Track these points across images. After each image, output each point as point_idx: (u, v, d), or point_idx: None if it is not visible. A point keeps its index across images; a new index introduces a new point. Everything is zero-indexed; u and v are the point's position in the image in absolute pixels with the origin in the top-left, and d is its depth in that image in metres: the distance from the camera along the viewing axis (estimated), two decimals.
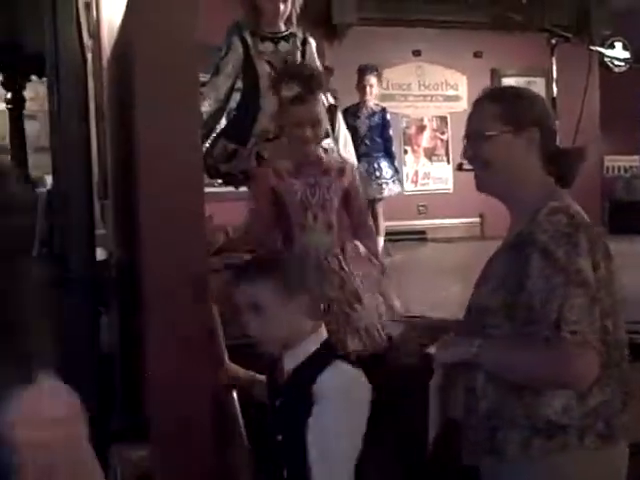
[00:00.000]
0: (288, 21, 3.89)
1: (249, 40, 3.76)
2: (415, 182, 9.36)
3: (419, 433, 2.03)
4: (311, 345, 1.99)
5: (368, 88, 6.19)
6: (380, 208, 6.22)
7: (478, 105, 1.97)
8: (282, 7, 3.75)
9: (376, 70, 6.27)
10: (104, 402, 2.82)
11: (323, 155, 3.15)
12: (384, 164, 6.26)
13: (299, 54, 3.84)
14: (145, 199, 2.55)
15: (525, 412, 1.75)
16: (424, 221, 9.03)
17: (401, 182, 6.40)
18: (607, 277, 1.76)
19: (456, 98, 9.56)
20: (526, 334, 1.72)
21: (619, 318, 1.81)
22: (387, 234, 6.76)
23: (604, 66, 9.53)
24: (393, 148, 6.50)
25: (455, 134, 9.38)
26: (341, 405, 1.84)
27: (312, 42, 3.95)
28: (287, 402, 2.00)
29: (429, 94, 9.46)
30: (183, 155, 2.61)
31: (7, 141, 4.37)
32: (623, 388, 1.79)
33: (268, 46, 3.79)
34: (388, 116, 6.59)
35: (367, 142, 6.15)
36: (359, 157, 5.17)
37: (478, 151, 1.91)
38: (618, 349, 1.79)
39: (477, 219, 9.12)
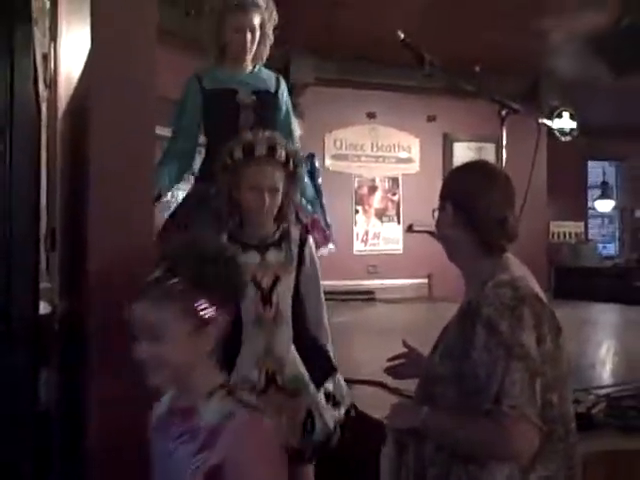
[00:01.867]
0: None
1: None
2: (365, 242, 9.42)
3: None
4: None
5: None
6: None
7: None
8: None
9: (295, 108, 5.15)
10: (41, 462, 2.73)
11: None
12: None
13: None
14: (94, 255, 2.52)
15: None
16: (373, 281, 9.06)
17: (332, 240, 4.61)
18: (553, 350, 1.76)
19: (408, 160, 9.72)
20: (471, 405, 1.72)
21: (566, 391, 1.82)
22: (336, 293, 6.73)
23: (551, 134, 9.81)
24: (323, 200, 5.14)
25: (406, 195, 9.52)
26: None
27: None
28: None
29: (382, 155, 9.60)
30: (136, 206, 2.59)
31: None
32: (568, 463, 1.79)
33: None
34: (317, 163, 5.94)
35: None
36: None
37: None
38: (564, 423, 1.78)
39: (425, 280, 9.21)
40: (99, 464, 2.34)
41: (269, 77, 3.62)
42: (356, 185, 9.49)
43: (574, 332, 5.70)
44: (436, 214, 2.01)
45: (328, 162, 9.09)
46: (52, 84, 3.43)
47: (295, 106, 4.08)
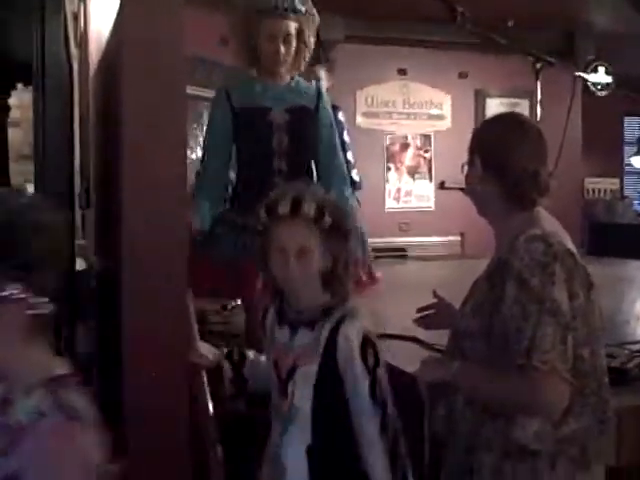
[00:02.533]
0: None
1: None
2: (397, 199, 9.39)
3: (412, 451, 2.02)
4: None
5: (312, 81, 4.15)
6: None
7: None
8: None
9: (326, 60, 4.68)
10: None
11: None
12: None
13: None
14: (129, 208, 2.55)
15: (498, 436, 1.76)
16: (405, 238, 9.05)
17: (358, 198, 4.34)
18: (585, 306, 1.77)
19: (440, 117, 9.62)
20: (501, 359, 1.74)
21: (599, 346, 1.82)
22: None
23: (587, 90, 9.64)
24: (350, 155, 4.68)
25: (438, 152, 9.44)
26: None
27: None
28: None
29: (413, 112, 9.51)
30: (168, 166, 2.61)
31: None
32: (600, 416, 1.80)
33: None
34: (341, 116, 4.99)
35: None
36: None
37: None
38: (596, 378, 1.79)
39: (458, 238, 9.17)
40: (135, 416, 2.40)
41: (308, 90, 3.20)
42: (387, 142, 9.43)
43: (609, 289, 5.65)
44: (465, 168, 2.00)
45: (359, 119, 9.03)
46: (83, 43, 3.45)
47: (327, 60, 3.97)
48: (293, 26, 3.14)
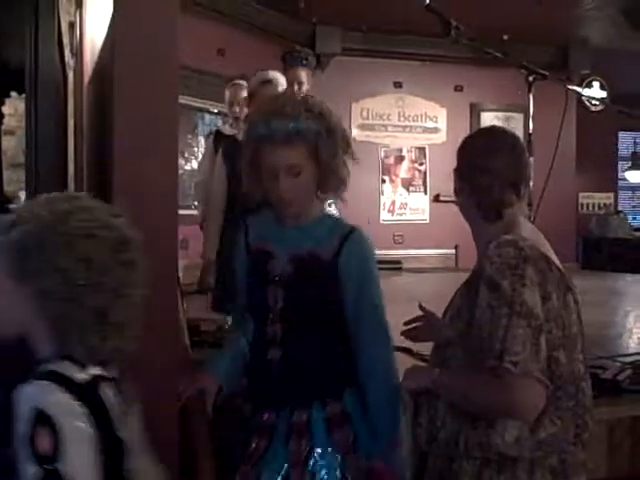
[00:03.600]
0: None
1: None
2: (392, 212, 9.42)
3: None
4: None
5: (295, 86, 4.26)
6: None
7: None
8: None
9: (305, 59, 4.37)
10: None
11: None
12: None
13: None
14: None
15: (478, 443, 1.76)
16: (400, 251, 9.07)
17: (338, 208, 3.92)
18: (559, 309, 1.77)
19: (435, 130, 9.66)
20: (477, 364, 1.74)
21: (574, 350, 1.80)
22: None
23: (581, 104, 9.68)
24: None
25: (433, 165, 9.47)
26: None
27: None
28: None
29: (409, 125, 9.55)
30: (160, 175, 2.61)
31: None
32: (577, 421, 1.78)
33: None
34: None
35: None
36: None
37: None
38: (573, 382, 1.77)
39: (452, 250, 9.19)
40: None
41: (329, 232, 2.16)
42: (382, 155, 9.46)
43: (602, 302, 5.67)
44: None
45: (355, 132, 9.07)
46: (78, 52, 3.45)
47: (307, 61, 4.37)
48: (298, 155, 2.13)
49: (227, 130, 4.33)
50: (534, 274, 1.72)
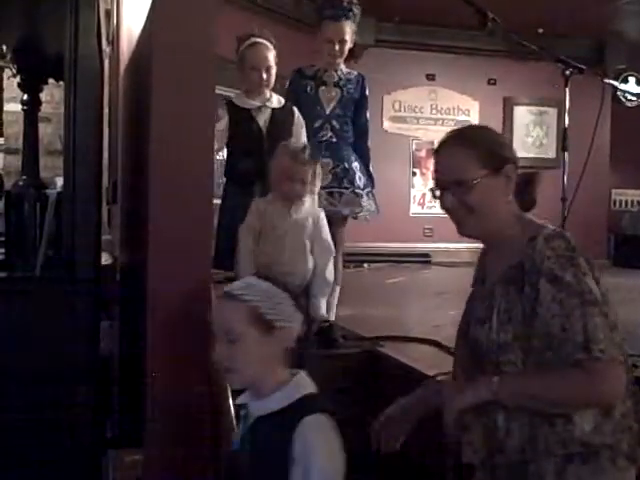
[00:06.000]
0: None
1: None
2: (422, 205, 9.38)
3: None
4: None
5: (337, 46, 3.73)
6: (343, 232, 3.80)
7: (450, 151, 1.87)
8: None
9: (349, 10, 3.77)
10: (101, 406, 2.83)
11: None
12: (356, 165, 3.80)
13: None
14: (156, 205, 2.58)
15: (559, 439, 1.74)
16: (429, 244, 9.04)
17: (375, 198, 3.86)
18: (605, 292, 1.78)
19: (467, 123, 9.60)
20: (545, 362, 1.71)
21: (618, 331, 1.83)
22: (391, 255, 6.70)
23: (616, 100, 9.57)
24: (369, 140, 3.95)
25: None
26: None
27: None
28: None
29: (441, 118, 9.49)
30: (196, 166, 2.64)
31: (20, 142, 4.41)
32: (635, 398, 1.80)
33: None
34: (367, 90, 3.97)
35: (335, 124, 3.79)
36: (318, 150, 3.60)
37: (462, 200, 1.83)
38: (626, 361, 1.81)
39: (481, 245, 9.14)
40: (157, 406, 2.42)
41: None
42: (414, 147, 9.42)
43: (633, 300, 5.61)
44: None
45: (386, 124, 9.04)
46: (114, 40, 3.49)
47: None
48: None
49: (240, 100, 3.56)
50: (585, 263, 1.74)
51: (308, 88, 3.81)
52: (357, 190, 3.74)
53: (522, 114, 9.78)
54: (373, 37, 8.52)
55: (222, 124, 3.46)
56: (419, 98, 9.38)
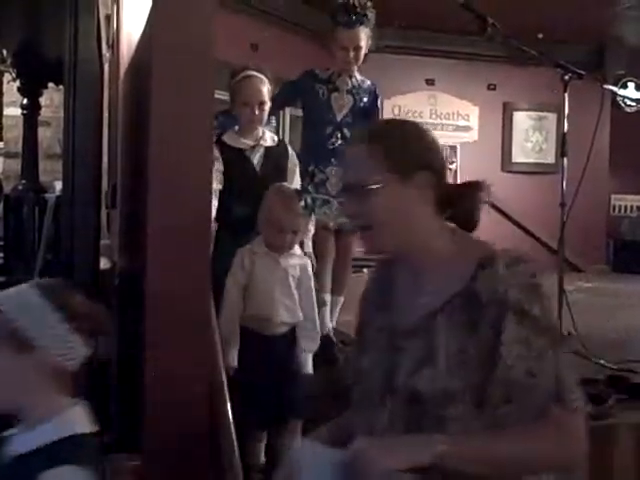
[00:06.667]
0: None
1: None
2: None
3: None
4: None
5: (352, 53, 3.67)
6: (354, 242, 3.71)
7: (355, 149, 1.54)
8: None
9: (364, 16, 3.66)
10: (99, 411, 2.82)
11: None
12: None
13: None
14: (155, 210, 2.57)
15: None
16: None
17: None
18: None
19: (467, 128, 9.61)
20: (501, 416, 1.39)
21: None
22: None
23: (616, 105, 9.58)
24: None
25: (464, 164, 9.43)
26: None
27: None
28: None
29: (440, 123, 9.51)
30: (195, 169, 2.63)
31: (19, 146, 4.42)
32: None
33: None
34: (379, 99, 3.95)
35: (346, 132, 3.68)
36: (327, 157, 3.61)
37: (362, 207, 1.48)
38: None
39: None
40: (153, 417, 2.41)
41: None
42: None
43: (632, 305, 5.62)
44: None
45: None
46: (114, 45, 3.49)
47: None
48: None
49: (232, 139, 3.40)
50: (546, 292, 1.45)
51: (321, 92, 3.68)
52: None
53: (522, 119, 9.79)
54: (374, 43, 8.52)
55: (220, 164, 3.25)
56: (419, 103, 9.39)
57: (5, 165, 6.37)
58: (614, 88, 7.25)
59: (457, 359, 1.40)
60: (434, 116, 9.48)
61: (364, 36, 3.65)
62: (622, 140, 9.36)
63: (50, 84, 3.46)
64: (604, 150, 9.22)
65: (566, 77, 3.38)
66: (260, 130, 3.37)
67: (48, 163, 5.19)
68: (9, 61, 3.42)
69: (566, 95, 3.46)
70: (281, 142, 3.48)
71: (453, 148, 9.56)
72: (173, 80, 2.60)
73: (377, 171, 1.46)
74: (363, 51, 3.66)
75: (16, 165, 4.97)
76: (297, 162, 3.42)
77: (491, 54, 8.51)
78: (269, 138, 3.40)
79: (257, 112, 3.29)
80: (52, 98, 4.74)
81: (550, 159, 9.59)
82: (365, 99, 3.74)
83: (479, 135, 9.61)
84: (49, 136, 5.80)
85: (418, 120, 9.47)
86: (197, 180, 2.64)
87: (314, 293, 3.01)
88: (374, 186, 1.45)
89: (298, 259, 2.96)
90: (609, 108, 8.39)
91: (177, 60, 2.61)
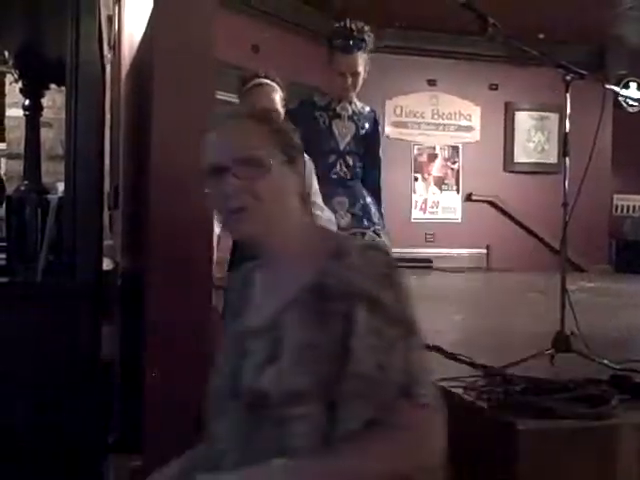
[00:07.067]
0: None
1: None
2: (424, 210, 9.39)
3: None
4: None
5: (350, 79, 3.50)
6: None
7: (241, 126, 1.43)
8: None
9: (362, 40, 3.59)
10: (102, 410, 2.83)
11: None
12: (369, 200, 3.62)
13: None
14: (156, 210, 2.58)
15: None
16: (431, 249, 9.04)
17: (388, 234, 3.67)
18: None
19: (469, 129, 9.62)
20: (353, 417, 1.27)
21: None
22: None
23: (618, 105, 9.59)
24: (381, 178, 3.75)
25: (466, 164, 9.44)
26: None
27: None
28: None
29: (442, 123, 9.52)
30: (196, 170, 2.63)
31: (22, 147, 4.43)
32: None
33: None
34: (380, 125, 3.86)
35: (349, 161, 3.60)
36: (331, 187, 3.43)
37: (248, 184, 1.36)
38: None
39: (484, 250, 9.14)
40: (156, 411, 2.42)
41: None
42: (415, 152, 9.44)
43: (635, 305, 5.62)
44: None
45: (388, 129, 9.05)
46: (116, 46, 3.49)
47: None
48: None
49: None
50: (403, 282, 1.35)
51: (322, 121, 3.55)
52: (377, 228, 3.47)
53: (523, 119, 9.80)
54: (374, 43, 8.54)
55: None
56: (420, 103, 9.40)
57: (7, 166, 6.38)
58: (616, 88, 7.25)
59: (304, 355, 1.30)
60: (436, 116, 9.48)
61: (362, 61, 3.51)
62: (624, 140, 9.37)
63: (52, 85, 3.46)
64: (606, 150, 9.23)
65: (568, 77, 3.36)
66: None
67: (50, 164, 5.19)
68: (11, 62, 3.42)
69: (568, 95, 3.45)
70: None
71: (455, 148, 9.57)
72: (174, 81, 2.61)
73: (270, 149, 1.38)
74: (361, 77, 3.51)
75: (18, 166, 4.97)
76: (313, 167, 3.13)
77: (492, 54, 8.52)
78: None
79: None
80: (54, 99, 4.74)
81: (552, 159, 9.59)
82: (366, 125, 3.61)
83: (481, 135, 9.62)
84: (51, 137, 5.81)
85: (420, 121, 9.51)
86: (199, 180, 2.64)
87: None
88: (267, 164, 1.37)
89: None
90: (611, 108, 8.38)
91: (178, 61, 2.62)
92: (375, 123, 3.63)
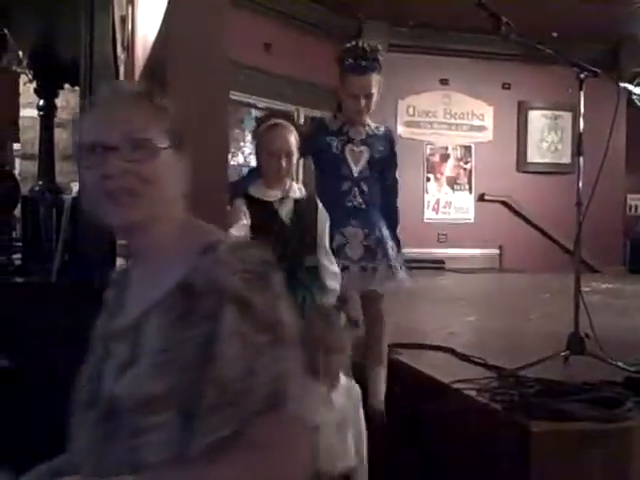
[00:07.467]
0: None
1: None
2: (436, 210, 9.37)
3: None
4: None
5: (363, 101, 3.33)
6: (382, 308, 3.39)
7: (131, 103, 1.31)
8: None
9: (375, 60, 3.43)
10: None
11: None
12: (386, 232, 3.41)
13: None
14: None
15: None
16: (443, 250, 9.02)
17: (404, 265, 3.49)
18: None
19: (482, 128, 9.59)
20: (214, 428, 1.15)
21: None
22: (405, 261, 6.65)
23: (631, 104, 9.53)
24: (398, 200, 3.55)
25: (479, 164, 9.41)
26: None
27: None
28: None
29: (455, 123, 9.49)
30: (210, 170, 2.64)
31: (36, 148, 4.45)
32: None
33: None
34: (397, 146, 3.52)
35: (364, 188, 3.40)
36: (346, 216, 3.30)
37: (137, 166, 1.26)
38: None
39: (497, 250, 9.11)
40: None
41: None
42: (428, 152, 9.42)
43: None
44: None
45: (400, 129, 9.04)
46: (129, 46, 3.50)
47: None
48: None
49: (259, 192, 3.02)
50: (280, 285, 1.26)
51: (334, 146, 3.37)
52: (391, 262, 3.30)
53: (537, 118, 9.76)
54: (386, 42, 8.52)
55: (247, 218, 2.89)
56: (433, 103, 9.38)
57: (22, 166, 6.41)
58: (630, 86, 7.20)
59: (163, 359, 1.19)
60: (448, 116, 9.46)
61: (376, 83, 3.34)
62: (638, 139, 9.32)
63: (66, 86, 3.48)
64: (620, 149, 9.18)
65: (581, 76, 3.34)
66: (287, 182, 3.04)
67: (64, 164, 5.22)
68: (25, 62, 3.44)
69: (582, 94, 3.43)
70: (310, 195, 3.14)
71: (468, 148, 9.54)
72: (188, 81, 2.61)
73: (164, 132, 1.29)
74: (375, 98, 3.34)
75: (33, 167, 5.00)
76: (327, 215, 3.05)
77: (505, 53, 8.48)
78: (297, 190, 3.08)
79: (284, 163, 2.97)
80: (68, 100, 4.77)
81: (565, 159, 9.55)
82: (381, 147, 3.40)
83: (494, 135, 9.59)
84: (65, 138, 5.84)
85: (432, 120, 9.49)
86: (212, 181, 2.65)
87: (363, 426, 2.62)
88: (161, 145, 1.27)
89: (348, 385, 2.60)
90: (625, 107, 8.33)
91: (192, 61, 2.62)
92: (391, 143, 3.44)
